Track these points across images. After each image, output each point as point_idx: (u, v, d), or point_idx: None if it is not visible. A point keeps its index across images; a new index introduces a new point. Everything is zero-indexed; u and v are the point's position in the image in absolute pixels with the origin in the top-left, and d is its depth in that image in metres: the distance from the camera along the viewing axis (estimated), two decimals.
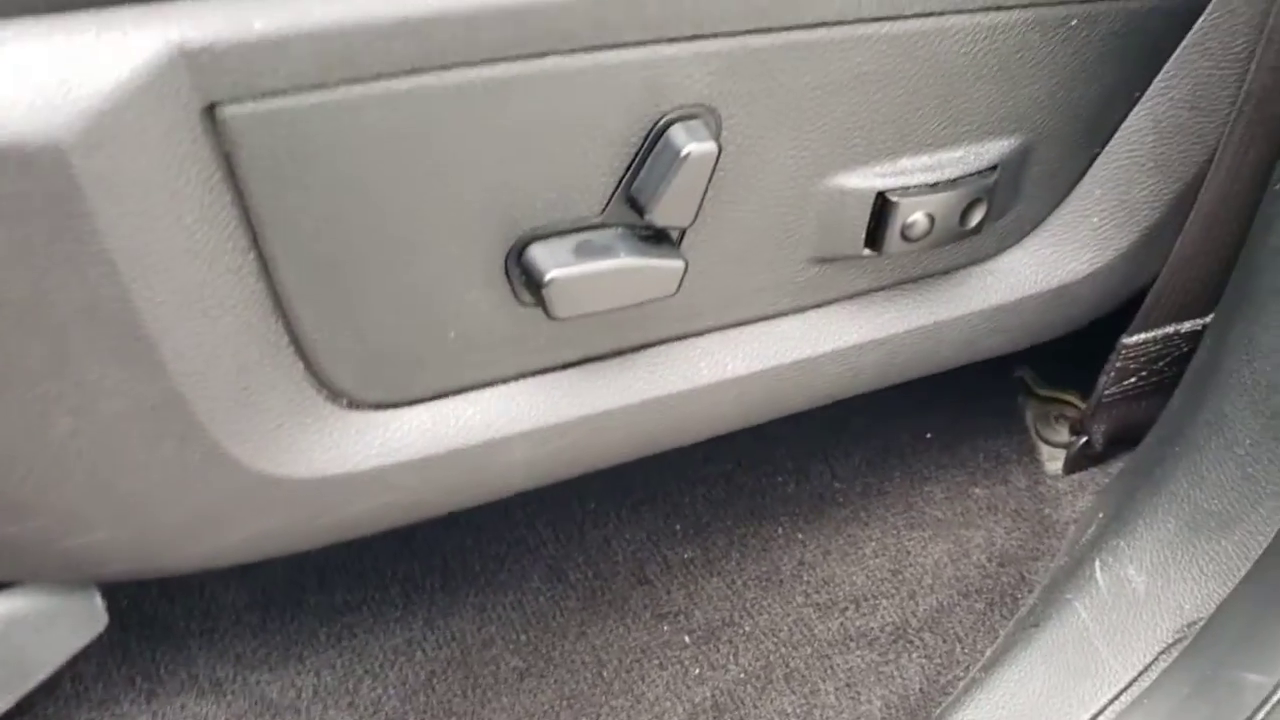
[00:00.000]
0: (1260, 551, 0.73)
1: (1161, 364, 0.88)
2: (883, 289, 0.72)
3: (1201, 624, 0.76)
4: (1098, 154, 0.73)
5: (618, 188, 0.58)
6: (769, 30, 0.56)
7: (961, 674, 0.84)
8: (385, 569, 0.86)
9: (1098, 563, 0.83)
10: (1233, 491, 0.75)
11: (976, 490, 0.95)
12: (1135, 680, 0.77)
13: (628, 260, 0.58)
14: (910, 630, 0.85)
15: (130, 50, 0.44)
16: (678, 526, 0.90)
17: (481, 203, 0.55)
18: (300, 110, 0.48)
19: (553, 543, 0.88)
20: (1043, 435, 1.02)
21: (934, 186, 0.65)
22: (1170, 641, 0.77)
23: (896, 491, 0.94)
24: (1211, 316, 0.85)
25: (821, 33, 0.57)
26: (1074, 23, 0.64)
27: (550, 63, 0.52)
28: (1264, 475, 0.73)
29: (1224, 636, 0.74)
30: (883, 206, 0.65)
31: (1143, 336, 0.84)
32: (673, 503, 0.92)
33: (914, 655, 0.84)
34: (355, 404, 0.60)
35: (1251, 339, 0.72)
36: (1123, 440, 0.96)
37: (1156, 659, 0.77)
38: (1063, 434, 1.02)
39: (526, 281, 0.58)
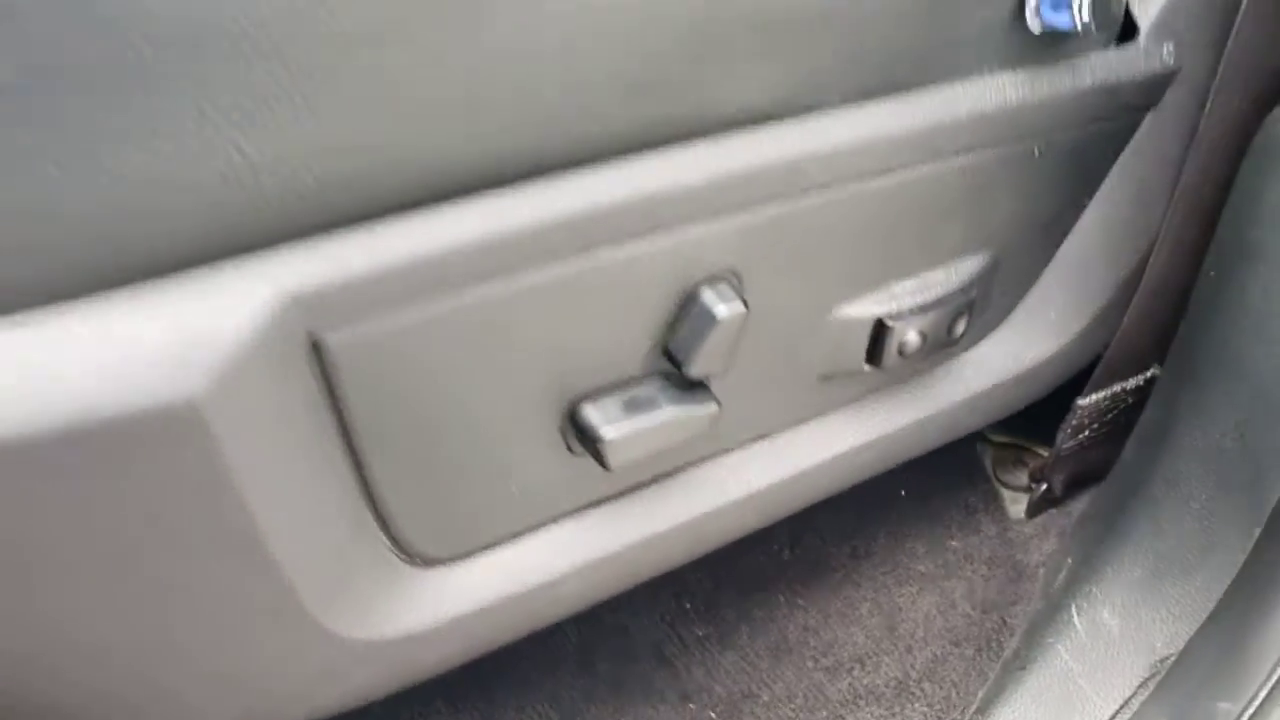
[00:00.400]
0: (1220, 593, 0.83)
1: (1110, 415, 0.97)
2: (876, 391, 0.79)
3: (1173, 659, 0.85)
4: (1054, 253, 0.81)
5: (655, 344, 0.64)
6: (780, 199, 0.62)
7: (959, 717, 0.91)
8: (426, 681, 0.90)
9: (1074, 607, 0.91)
10: (1191, 542, 0.84)
11: (953, 542, 1.03)
12: (1117, 713, 0.86)
13: (670, 410, 0.64)
14: (911, 682, 0.93)
15: (250, 303, 0.48)
16: (688, 605, 0.97)
17: (541, 377, 0.60)
18: (392, 326, 0.53)
19: (576, 634, 0.94)
20: (1003, 480, 1.11)
21: (923, 307, 0.72)
22: (1146, 676, 0.86)
23: (882, 551, 1.02)
24: (1153, 372, 0.94)
25: (824, 194, 0.64)
26: (1035, 152, 0.72)
27: (600, 254, 0.57)
28: (1218, 527, 0.82)
29: (1194, 670, 0.83)
30: (880, 329, 0.72)
31: (1095, 397, 0.93)
32: (681, 581, 0.98)
33: (917, 706, 0.91)
34: (428, 562, 0.64)
35: (1200, 407, 0.81)
36: (1079, 483, 1.05)
37: (1135, 693, 0.86)
38: (1021, 478, 1.10)
39: (581, 437, 0.64)
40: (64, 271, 0.45)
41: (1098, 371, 0.91)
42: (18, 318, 0.45)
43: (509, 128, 0.52)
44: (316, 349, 0.51)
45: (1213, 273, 0.79)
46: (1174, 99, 0.76)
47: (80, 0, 0.40)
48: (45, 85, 0.41)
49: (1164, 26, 0.74)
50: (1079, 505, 1.07)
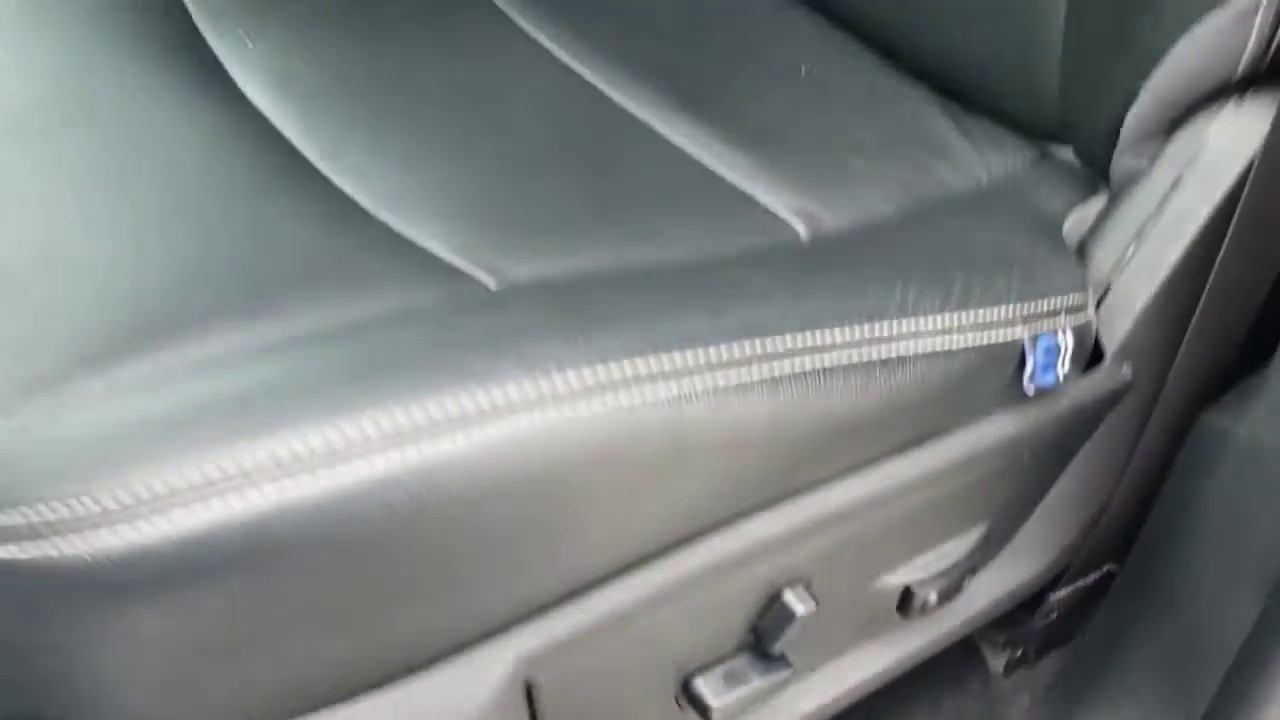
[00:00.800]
0: None
1: (1075, 601, 1.21)
2: (896, 628, 1.01)
3: None
4: (1030, 514, 1.04)
5: (746, 625, 0.85)
6: (843, 526, 0.84)
7: None
8: None
9: None
10: None
11: (945, 703, 1.26)
12: None
13: (758, 682, 0.85)
14: None
15: (498, 672, 0.69)
16: None
17: (665, 664, 0.82)
18: (577, 657, 0.74)
19: None
20: (983, 640, 1.34)
21: (938, 575, 0.95)
22: None
23: (890, 717, 1.24)
24: (1108, 569, 1.18)
25: (870, 516, 0.86)
26: (1025, 456, 0.94)
27: (721, 584, 0.79)
28: None
29: None
30: (908, 593, 0.94)
31: (1062, 593, 1.16)
32: None
33: None
34: None
35: (1146, 630, 1.04)
36: (1049, 645, 1.28)
37: None
38: (999, 637, 1.33)
39: (691, 702, 0.85)
40: (378, 668, 0.66)
41: (1064, 578, 1.14)
42: (339, 707, 0.65)
43: (671, 529, 0.73)
44: (529, 685, 0.72)
45: (1154, 536, 1.02)
46: (1128, 402, 0.99)
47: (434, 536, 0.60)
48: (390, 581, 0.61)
49: (1124, 351, 0.95)
50: (1050, 664, 1.30)
